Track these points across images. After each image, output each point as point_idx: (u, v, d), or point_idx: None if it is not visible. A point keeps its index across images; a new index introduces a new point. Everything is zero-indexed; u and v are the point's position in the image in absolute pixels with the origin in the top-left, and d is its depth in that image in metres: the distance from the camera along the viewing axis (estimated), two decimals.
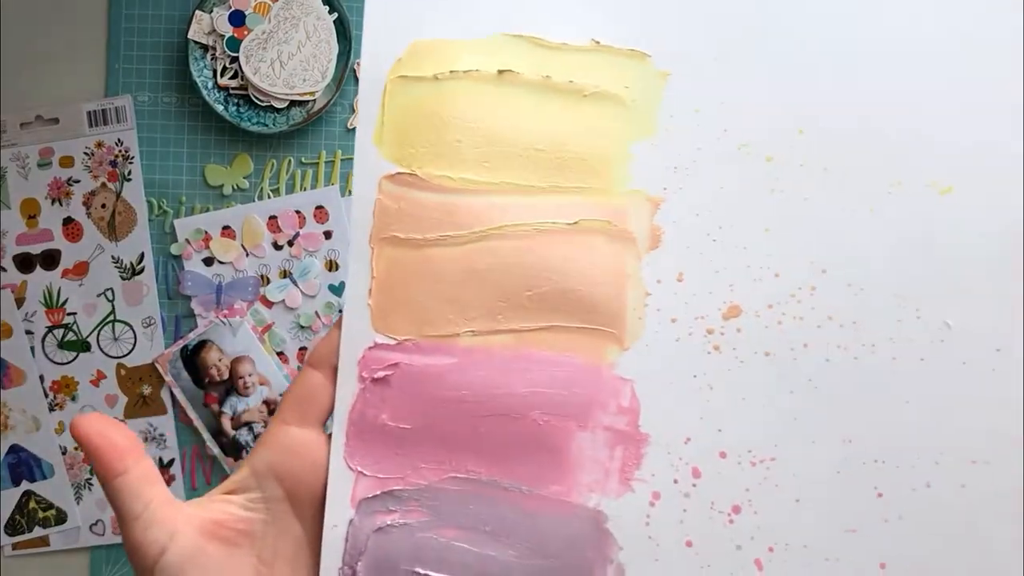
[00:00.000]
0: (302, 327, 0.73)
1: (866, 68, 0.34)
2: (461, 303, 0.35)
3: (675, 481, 0.35)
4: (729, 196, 0.35)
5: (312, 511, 0.35)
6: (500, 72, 0.34)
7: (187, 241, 0.75)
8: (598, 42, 0.34)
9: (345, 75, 0.72)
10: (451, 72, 0.34)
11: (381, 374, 0.35)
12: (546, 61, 0.34)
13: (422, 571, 0.35)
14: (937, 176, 0.34)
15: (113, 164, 0.76)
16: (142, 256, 0.75)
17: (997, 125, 0.34)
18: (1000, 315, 0.34)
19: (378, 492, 0.35)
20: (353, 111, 0.75)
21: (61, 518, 0.76)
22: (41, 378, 0.76)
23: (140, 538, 0.33)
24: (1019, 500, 0.33)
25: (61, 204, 0.76)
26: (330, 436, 0.35)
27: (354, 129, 0.66)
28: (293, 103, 0.72)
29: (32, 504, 0.76)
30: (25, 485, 0.75)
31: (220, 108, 0.74)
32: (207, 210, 0.75)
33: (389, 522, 0.35)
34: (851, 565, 0.34)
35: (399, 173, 0.35)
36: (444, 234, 0.35)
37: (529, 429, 0.35)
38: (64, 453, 0.75)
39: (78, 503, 0.75)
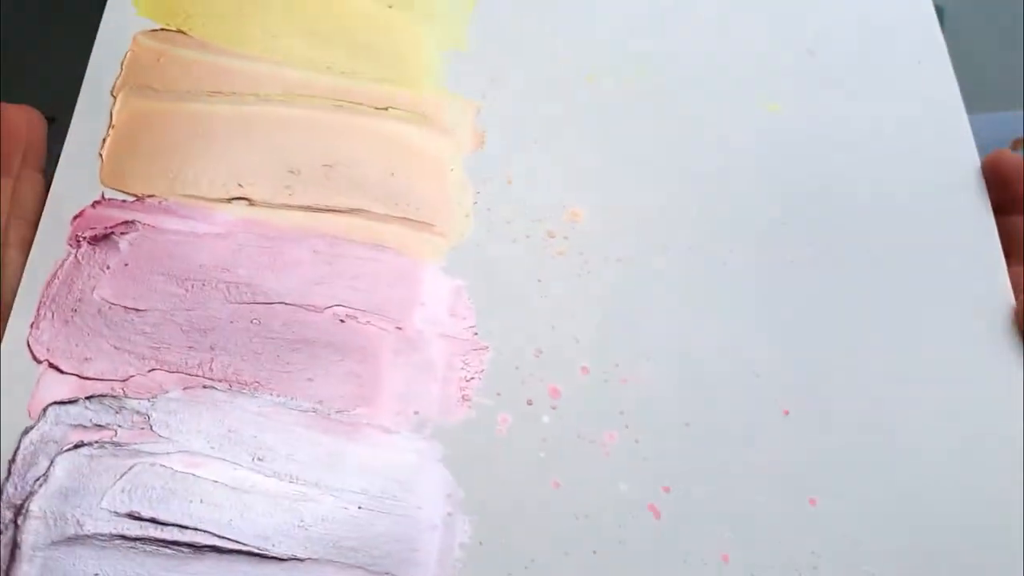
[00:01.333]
0: None
1: None
2: (235, 166, 0.27)
3: (528, 403, 0.26)
4: (551, 108, 0.32)
5: None
6: None
7: None
8: None
9: None
10: None
11: (106, 232, 0.24)
12: None
13: (143, 514, 0.21)
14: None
15: None
16: None
17: None
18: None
19: (80, 397, 0.23)
20: None
21: None
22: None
23: None
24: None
25: None
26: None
27: None
28: None
29: None
30: None
31: None
32: None
33: (94, 440, 0.22)
34: (771, 506, 0.26)
35: (163, 29, 0.29)
36: (218, 90, 0.28)
37: (326, 328, 0.25)
38: None
39: None
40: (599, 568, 0.24)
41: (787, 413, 0.28)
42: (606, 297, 0.29)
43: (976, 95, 0.34)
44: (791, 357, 0.29)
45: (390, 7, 0.32)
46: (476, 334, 0.27)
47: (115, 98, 0.27)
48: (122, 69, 0.27)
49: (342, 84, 0.30)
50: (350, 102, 0.29)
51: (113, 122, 0.27)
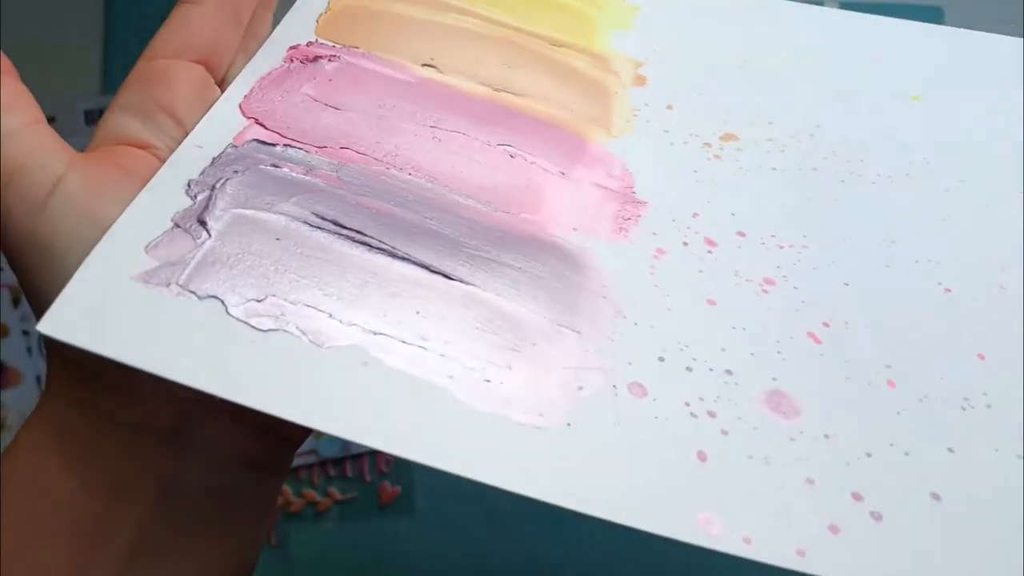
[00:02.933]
0: None
1: None
2: (431, 45, 0.31)
3: (684, 244, 0.28)
4: (712, 67, 0.36)
5: None
6: None
7: None
8: None
9: None
10: None
11: (315, 55, 0.29)
12: None
13: (326, 215, 0.24)
14: None
15: None
16: None
17: None
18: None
19: (280, 142, 0.26)
20: None
21: None
22: (38, 379, 0.76)
23: (20, 162, 0.23)
24: None
25: None
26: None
27: None
28: None
29: None
30: None
31: None
32: None
33: (287, 168, 0.25)
34: (939, 352, 0.26)
35: None
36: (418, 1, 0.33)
37: (496, 158, 0.28)
38: None
39: None
40: (755, 369, 0.25)
41: (949, 291, 0.28)
42: (762, 191, 0.31)
43: None
44: (953, 245, 0.30)
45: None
46: (635, 192, 0.30)
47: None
48: None
49: (524, 24, 0.35)
50: (529, 34, 0.35)
51: (329, 7, 0.32)
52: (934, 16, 0.69)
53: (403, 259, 0.24)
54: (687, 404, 0.23)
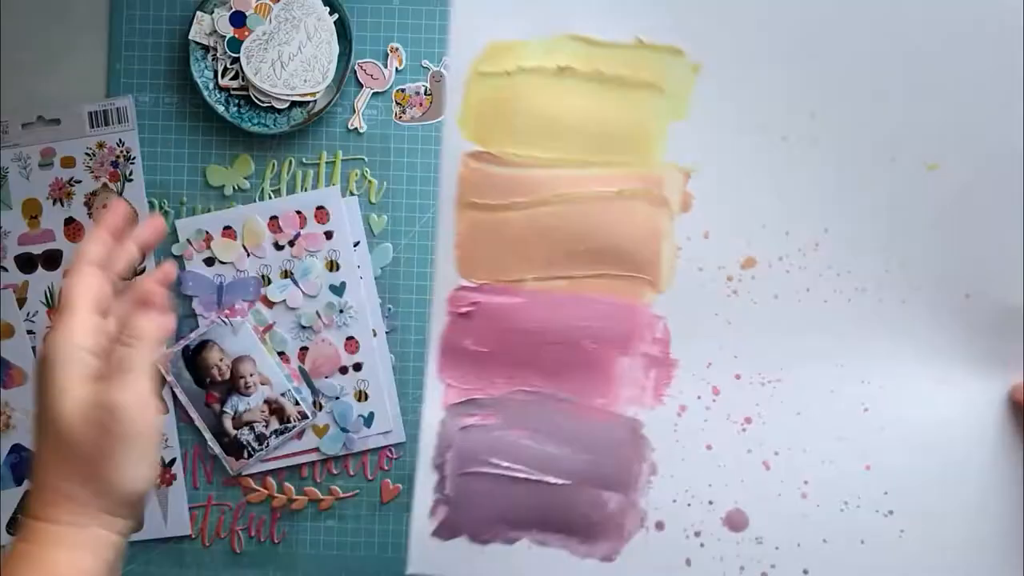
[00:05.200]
0: (303, 327, 0.83)
1: (870, 61, 0.49)
2: (527, 255, 0.50)
3: (698, 397, 0.50)
4: (749, 167, 0.49)
5: None
6: (560, 68, 0.49)
7: (188, 241, 0.83)
8: (641, 40, 0.49)
9: (345, 76, 0.81)
10: (520, 68, 0.49)
11: (465, 310, 0.50)
12: (597, 56, 0.49)
13: (497, 461, 0.49)
14: (927, 155, 0.49)
15: (114, 165, 0.85)
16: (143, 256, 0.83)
17: (985, 111, 0.48)
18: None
19: (462, 400, 0.50)
20: (354, 111, 0.84)
21: None
22: None
23: None
24: None
25: (62, 204, 0.85)
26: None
27: (355, 129, 0.82)
28: (294, 104, 0.82)
29: None
30: (27, 484, 0.79)
31: (221, 109, 0.82)
32: (208, 210, 0.84)
33: (471, 423, 0.50)
34: (840, 467, 0.49)
35: (477, 151, 0.50)
36: (512, 200, 0.50)
37: (580, 354, 0.50)
38: None
39: None
40: (725, 495, 0.49)
41: (867, 410, 0.50)
42: (759, 325, 0.49)
43: None
44: (878, 374, 0.50)
45: (630, 86, 0.49)
46: (670, 354, 0.50)
47: (456, 211, 0.50)
48: (457, 187, 0.49)
49: (592, 175, 0.50)
50: (596, 191, 0.50)
51: (457, 230, 0.50)
52: None
53: (534, 481, 0.49)
54: (684, 530, 0.49)
